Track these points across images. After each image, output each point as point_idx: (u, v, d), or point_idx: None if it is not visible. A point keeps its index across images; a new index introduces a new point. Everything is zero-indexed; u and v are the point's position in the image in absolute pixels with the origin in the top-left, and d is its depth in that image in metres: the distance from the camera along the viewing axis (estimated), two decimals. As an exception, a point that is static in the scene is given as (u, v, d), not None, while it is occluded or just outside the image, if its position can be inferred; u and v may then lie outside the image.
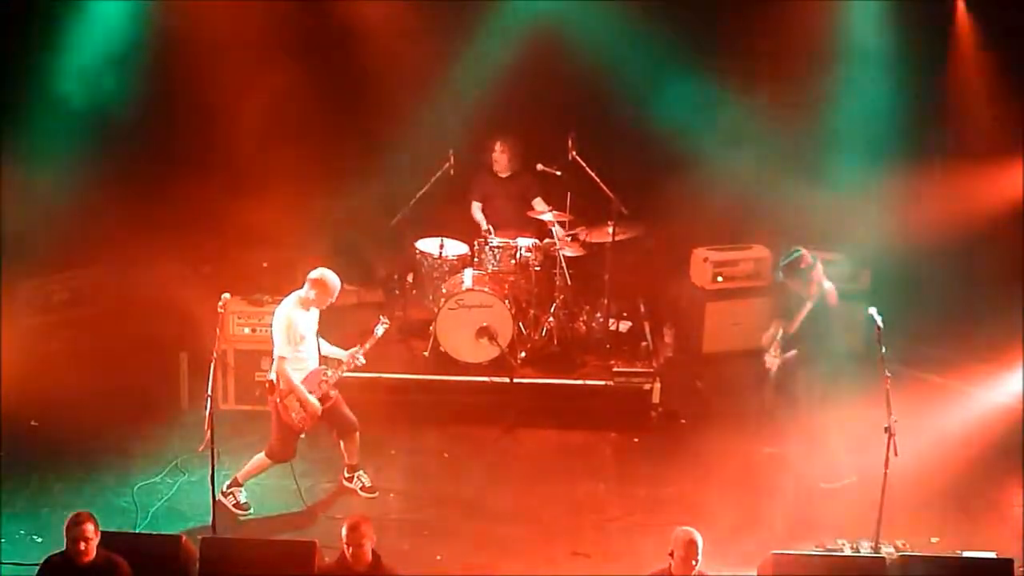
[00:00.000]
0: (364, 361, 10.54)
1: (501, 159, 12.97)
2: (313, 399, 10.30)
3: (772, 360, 11.20)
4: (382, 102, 13.35)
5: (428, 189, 12.66)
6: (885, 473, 9.52)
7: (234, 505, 10.48)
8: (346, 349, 10.56)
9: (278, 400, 10.27)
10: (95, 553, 8.35)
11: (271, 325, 10.39)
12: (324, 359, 10.51)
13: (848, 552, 9.82)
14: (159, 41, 12.73)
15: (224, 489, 10.43)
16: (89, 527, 8.31)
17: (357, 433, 10.78)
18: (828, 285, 10.95)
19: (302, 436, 10.53)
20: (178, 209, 12.66)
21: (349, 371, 10.55)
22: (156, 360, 12.14)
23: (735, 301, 13.28)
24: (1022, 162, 12.15)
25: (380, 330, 10.60)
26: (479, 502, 10.79)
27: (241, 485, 10.54)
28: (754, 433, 11.53)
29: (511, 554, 10.03)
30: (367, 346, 10.54)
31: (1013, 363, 11.55)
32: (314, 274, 10.29)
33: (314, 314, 10.37)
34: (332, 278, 10.29)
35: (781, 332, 11.12)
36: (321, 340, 10.52)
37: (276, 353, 10.25)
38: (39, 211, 12.31)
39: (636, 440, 11.97)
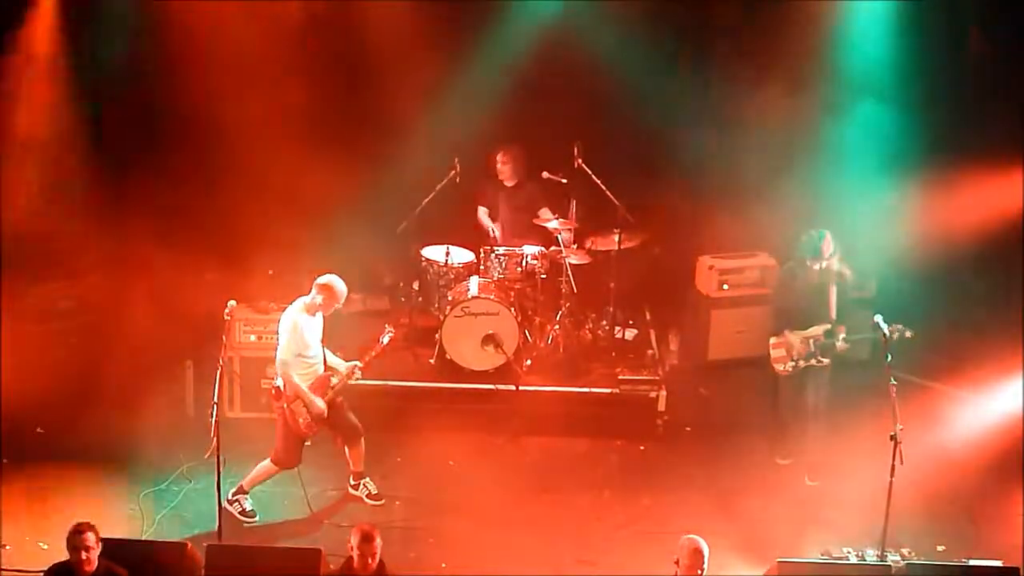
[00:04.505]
0: (360, 375, 10.61)
1: (505, 169, 12.97)
2: (319, 400, 10.34)
3: (817, 363, 11.06)
4: (388, 109, 13.34)
5: (434, 197, 12.67)
6: (891, 481, 9.51)
7: (240, 512, 10.50)
8: (350, 356, 10.62)
9: (285, 406, 10.30)
10: (96, 563, 8.37)
11: (278, 331, 10.43)
12: (328, 366, 10.56)
13: (854, 560, 9.82)
14: (162, 49, 12.73)
15: (229, 497, 10.45)
16: (90, 536, 8.34)
17: (362, 440, 10.82)
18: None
19: (307, 443, 10.57)
20: (184, 216, 12.66)
21: (352, 380, 10.60)
22: (162, 368, 12.14)
23: (740, 309, 13.26)
24: (1022, 169, 12.15)
25: (385, 339, 10.70)
26: (484, 510, 10.77)
27: (247, 492, 10.56)
28: (760, 441, 11.54)
29: (516, 562, 10.02)
30: (371, 355, 10.58)
31: (1016, 370, 11.52)
32: (322, 280, 10.34)
33: (319, 320, 10.41)
34: (339, 284, 10.34)
35: (821, 328, 10.95)
36: (325, 351, 10.55)
37: (279, 357, 10.31)
38: (44, 218, 12.32)
39: (642, 448, 11.97)
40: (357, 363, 10.57)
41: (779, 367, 11.17)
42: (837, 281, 10.99)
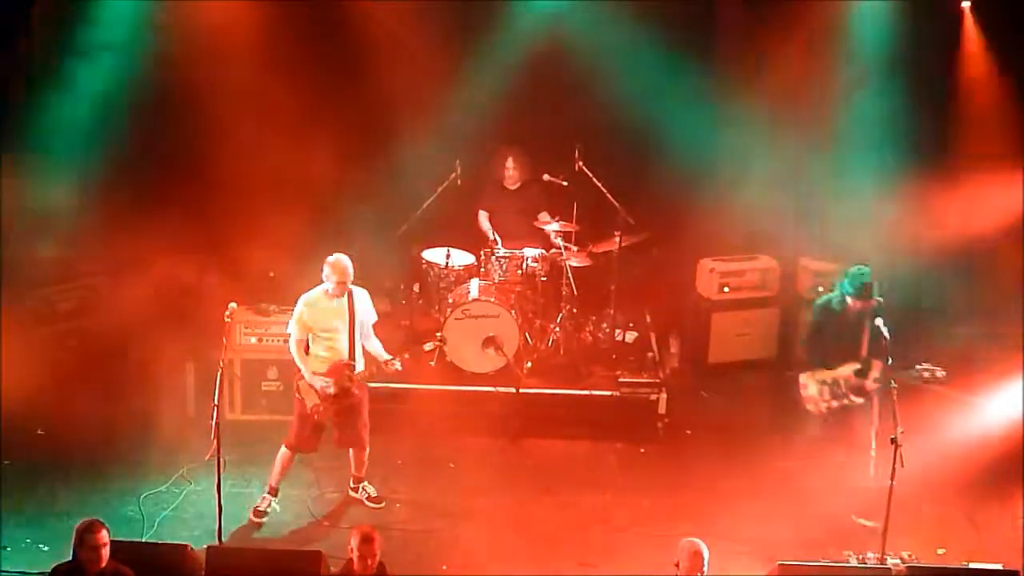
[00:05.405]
0: (400, 367, 10.57)
1: (513, 173, 12.97)
2: (317, 381, 10.34)
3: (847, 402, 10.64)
4: (389, 111, 13.35)
5: (435, 199, 12.67)
6: (891, 485, 9.51)
7: (255, 509, 10.50)
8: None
9: (296, 383, 10.42)
10: (105, 562, 8.38)
11: (283, 333, 10.58)
12: (368, 357, 10.57)
13: (854, 564, 9.82)
14: (162, 47, 12.74)
15: (265, 493, 10.55)
16: (104, 534, 8.36)
17: (367, 448, 10.79)
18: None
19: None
20: (184, 219, 12.65)
21: (379, 378, 10.67)
22: (162, 369, 12.13)
23: (741, 312, 13.29)
24: (1022, 171, 12.15)
25: (429, 346, 10.70)
26: (485, 512, 10.77)
27: (276, 491, 10.59)
28: (761, 443, 11.54)
29: (517, 564, 10.01)
30: (405, 356, 10.60)
31: (1016, 373, 11.51)
32: (328, 258, 10.37)
33: (340, 306, 10.38)
34: (337, 257, 10.34)
35: (851, 368, 10.55)
36: (372, 339, 10.58)
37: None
38: (44, 220, 12.33)
39: (642, 451, 11.97)
40: (394, 359, 10.54)
41: (810, 407, 10.78)
42: (872, 317, 10.46)
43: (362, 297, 10.54)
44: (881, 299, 10.50)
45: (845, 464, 10.68)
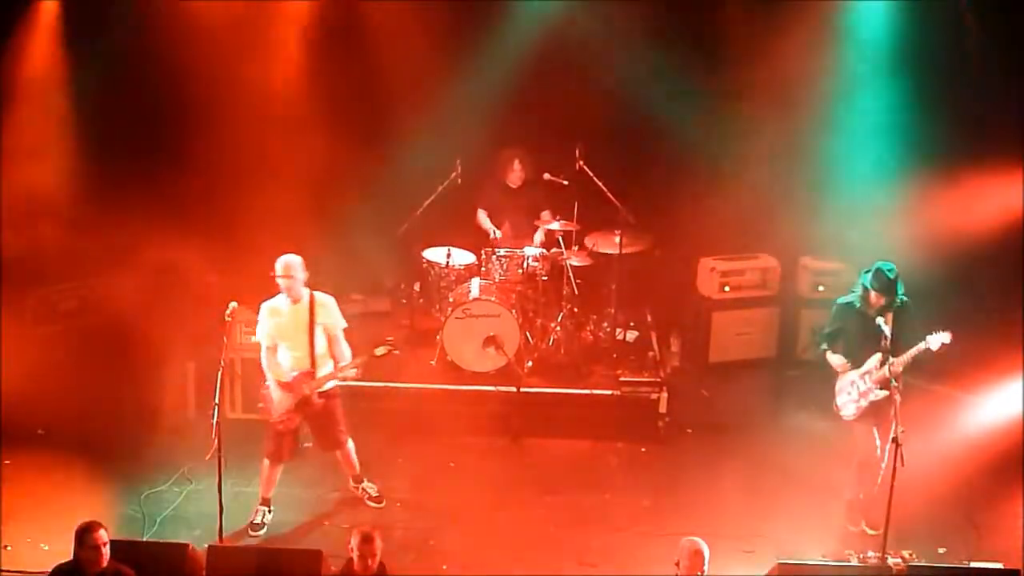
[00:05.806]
0: (353, 373, 10.52)
1: (518, 177, 12.96)
2: (275, 391, 10.34)
3: (872, 397, 10.27)
4: (389, 110, 13.36)
5: (435, 198, 12.67)
6: (892, 484, 9.50)
7: (250, 524, 10.47)
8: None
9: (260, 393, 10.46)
10: (106, 562, 8.39)
11: None
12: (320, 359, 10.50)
13: (855, 563, 9.82)
14: (163, 48, 12.74)
15: (259, 506, 10.52)
16: (102, 533, 8.39)
17: (346, 447, 10.75)
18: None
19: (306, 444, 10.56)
20: (184, 218, 12.66)
21: (337, 379, 10.51)
22: (163, 369, 12.14)
23: (742, 311, 13.29)
24: (1022, 171, 12.14)
25: (380, 351, 10.47)
26: (485, 512, 10.78)
27: (269, 502, 10.57)
28: (761, 442, 11.54)
29: (517, 564, 10.02)
30: (360, 360, 10.45)
31: (1016, 372, 11.51)
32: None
33: (300, 312, 10.31)
34: (283, 256, 10.30)
35: (875, 359, 10.17)
36: (340, 345, 10.47)
37: None
38: (45, 220, 12.33)
39: (643, 450, 11.97)
40: (352, 362, 10.46)
41: (843, 413, 10.45)
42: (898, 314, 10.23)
43: (326, 303, 10.42)
44: (906, 299, 10.30)
45: (849, 466, 10.65)
